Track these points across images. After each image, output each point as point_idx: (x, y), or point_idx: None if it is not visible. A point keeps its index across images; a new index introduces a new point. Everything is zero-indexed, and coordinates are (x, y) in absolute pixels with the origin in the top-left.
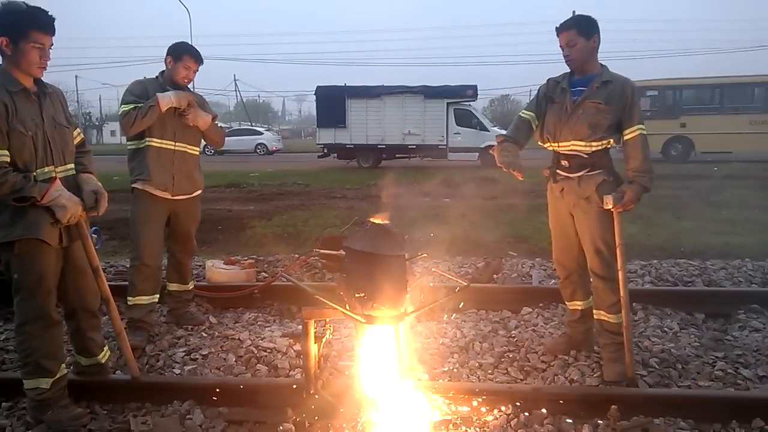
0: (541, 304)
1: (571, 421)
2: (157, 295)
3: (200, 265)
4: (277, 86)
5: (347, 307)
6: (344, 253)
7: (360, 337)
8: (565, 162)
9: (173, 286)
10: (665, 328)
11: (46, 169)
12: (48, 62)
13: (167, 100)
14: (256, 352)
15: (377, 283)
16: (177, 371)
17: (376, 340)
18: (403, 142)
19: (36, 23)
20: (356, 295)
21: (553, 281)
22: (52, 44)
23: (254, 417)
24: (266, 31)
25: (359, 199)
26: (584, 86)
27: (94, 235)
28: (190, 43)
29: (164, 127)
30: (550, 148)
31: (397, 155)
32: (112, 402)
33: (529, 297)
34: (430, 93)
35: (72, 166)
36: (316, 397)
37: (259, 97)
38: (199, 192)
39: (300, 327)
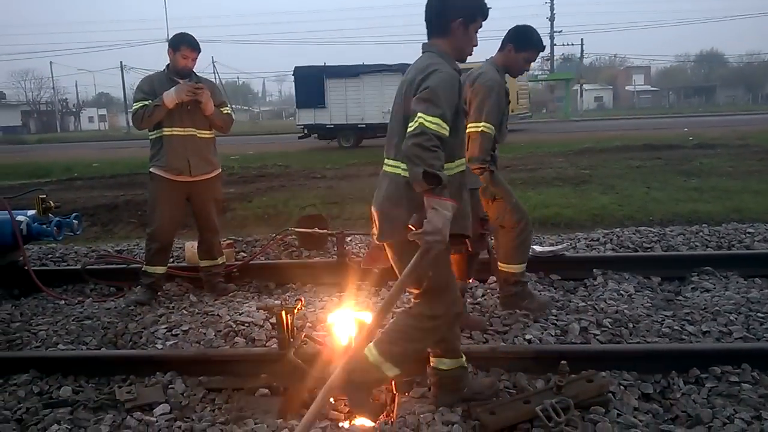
0: None
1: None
2: (166, 267)
3: (180, 247)
4: (256, 67)
5: None
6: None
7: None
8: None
9: (204, 263)
10: (621, 291)
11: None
12: None
13: (171, 98)
14: (234, 326)
15: None
16: (159, 346)
17: (343, 312)
18: (383, 121)
19: (485, 8)
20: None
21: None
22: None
23: (232, 384)
24: (244, 11)
25: (339, 178)
26: None
27: (75, 221)
28: (186, 31)
29: (172, 116)
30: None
31: (378, 134)
32: (99, 375)
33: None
34: None
35: None
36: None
37: (238, 78)
38: (217, 172)
39: (273, 300)
